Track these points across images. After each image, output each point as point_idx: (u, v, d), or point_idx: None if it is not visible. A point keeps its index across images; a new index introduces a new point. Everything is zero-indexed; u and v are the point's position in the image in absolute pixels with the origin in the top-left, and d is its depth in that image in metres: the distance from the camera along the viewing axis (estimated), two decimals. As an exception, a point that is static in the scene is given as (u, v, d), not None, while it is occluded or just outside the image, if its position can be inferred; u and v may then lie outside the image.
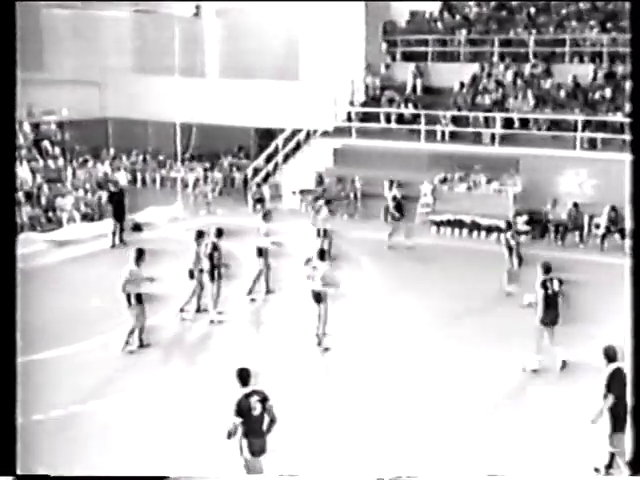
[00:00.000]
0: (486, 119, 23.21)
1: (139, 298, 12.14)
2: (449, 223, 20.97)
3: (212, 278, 13.60)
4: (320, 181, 23.99)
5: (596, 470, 8.75)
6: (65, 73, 26.57)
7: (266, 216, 15.37)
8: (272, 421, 7.59)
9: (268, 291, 15.29)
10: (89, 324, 13.16)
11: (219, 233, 13.84)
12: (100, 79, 28.00)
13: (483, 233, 20.50)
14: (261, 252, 15.08)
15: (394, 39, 26.90)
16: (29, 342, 12.34)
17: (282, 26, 27.79)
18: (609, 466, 8.67)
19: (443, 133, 23.68)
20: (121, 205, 19.68)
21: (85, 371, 11.50)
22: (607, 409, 8.40)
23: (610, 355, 8.57)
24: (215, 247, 13.63)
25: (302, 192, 24.14)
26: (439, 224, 21.11)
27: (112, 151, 27.59)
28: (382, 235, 19.35)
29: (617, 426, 8.42)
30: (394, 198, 19.66)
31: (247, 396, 7.48)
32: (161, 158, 27.82)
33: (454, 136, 23.53)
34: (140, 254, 12.23)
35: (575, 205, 19.73)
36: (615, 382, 8.38)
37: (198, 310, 13.98)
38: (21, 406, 8.55)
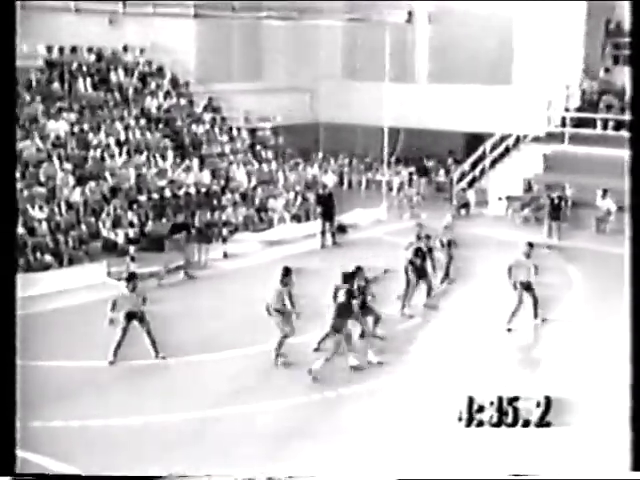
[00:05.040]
0: None
1: (280, 310, 12.25)
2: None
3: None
4: (528, 188, 23.40)
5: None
6: (280, 81, 27.97)
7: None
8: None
9: (447, 276, 16.36)
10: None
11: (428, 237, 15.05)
12: (312, 86, 29.15)
13: None
14: (442, 244, 16.28)
15: (617, 41, 25.54)
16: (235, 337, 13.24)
17: (495, 30, 27.29)
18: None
19: (665, 140, 22.15)
20: (330, 207, 20.34)
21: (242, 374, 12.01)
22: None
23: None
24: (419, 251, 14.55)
25: (509, 198, 23.66)
26: (655, 236, 19.80)
27: (321, 154, 28.57)
28: (591, 245, 18.71)
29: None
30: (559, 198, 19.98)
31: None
32: (367, 161, 28.40)
33: (678, 144, 21.93)
34: (286, 273, 12.35)
35: None
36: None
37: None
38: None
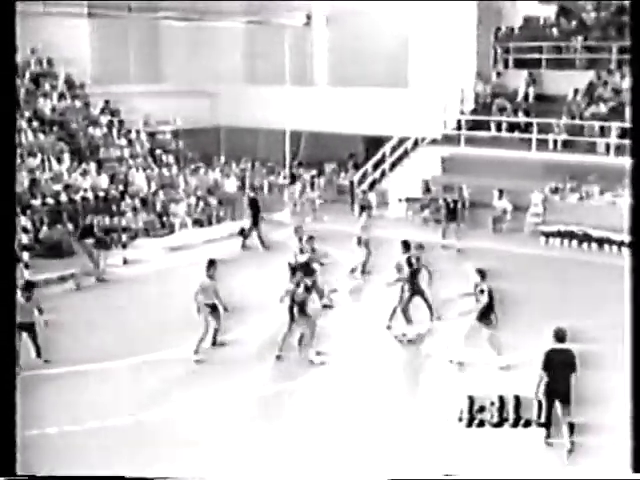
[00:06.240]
0: (601, 128, 22.46)
1: (211, 306, 12.20)
2: (559, 234, 20.46)
3: None
4: (427, 189, 23.87)
5: None
6: (180, 84, 27.57)
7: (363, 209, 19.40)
8: None
9: (363, 272, 16.87)
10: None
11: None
12: (213, 89, 28.86)
13: (594, 245, 19.90)
14: (360, 241, 16.78)
15: (506, 46, 26.43)
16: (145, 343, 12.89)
17: (392, 34, 27.77)
18: None
19: (555, 142, 23.12)
20: (259, 210, 20.42)
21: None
22: None
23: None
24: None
25: (408, 200, 24.09)
26: (548, 235, 20.63)
27: (222, 158, 28.31)
28: (488, 244, 19.27)
29: None
30: (454, 201, 20.35)
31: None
32: (269, 165, 28.35)
33: (567, 145, 22.93)
34: (210, 265, 12.29)
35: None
36: None
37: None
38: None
